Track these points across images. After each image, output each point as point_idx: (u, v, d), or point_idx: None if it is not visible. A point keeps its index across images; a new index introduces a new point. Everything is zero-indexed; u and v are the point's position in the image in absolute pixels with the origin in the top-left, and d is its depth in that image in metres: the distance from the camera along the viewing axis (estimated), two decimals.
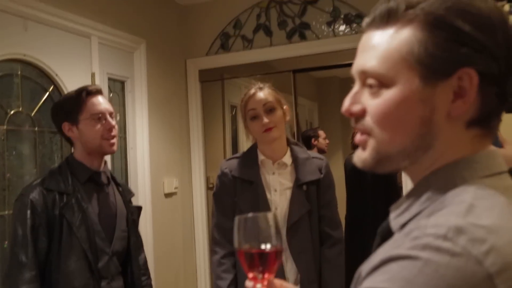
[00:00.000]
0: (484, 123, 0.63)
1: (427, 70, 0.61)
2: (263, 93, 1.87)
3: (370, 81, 0.65)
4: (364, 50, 0.67)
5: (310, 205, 1.87)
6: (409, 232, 0.56)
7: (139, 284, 1.86)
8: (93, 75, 2.52)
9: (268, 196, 1.87)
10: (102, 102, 1.77)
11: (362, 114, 0.66)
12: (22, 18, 2.14)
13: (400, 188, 3.23)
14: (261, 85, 1.90)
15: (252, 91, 1.88)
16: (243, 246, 0.84)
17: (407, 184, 2.87)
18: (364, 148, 0.67)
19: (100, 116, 1.74)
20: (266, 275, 0.84)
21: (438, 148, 0.63)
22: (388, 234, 0.70)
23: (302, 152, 1.96)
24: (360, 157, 0.68)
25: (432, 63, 0.61)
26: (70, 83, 2.30)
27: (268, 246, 0.83)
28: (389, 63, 0.63)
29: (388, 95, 0.63)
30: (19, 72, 2.15)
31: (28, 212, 1.61)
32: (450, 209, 0.57)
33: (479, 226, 0.53)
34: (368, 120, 0.65)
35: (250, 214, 0.85)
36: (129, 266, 1.84)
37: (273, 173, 1.91)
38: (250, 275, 0.85)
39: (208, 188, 3.39)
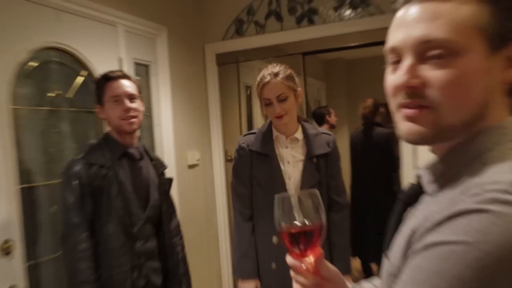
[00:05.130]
0: None
1: (493, 39, 0.59)
2: (277, 82, 1.81)
3: (435, 51, 0.59)
4: (422, 20, 0.60)
5: (319, 176, 1.89)
6: (465, 190, 0.54)
7: (170, 244, 1.92)
8: (120, 60, 2.53)
9: (282, 167, 1.89)
10: (121, 86, 1.77)
11: (421, 87, 0.60)
12: (55, 10, 2.13)
13: (397, 159, 3.23)
14: (276, 70, 1.83)
15: (267, 78, 1.82)
16: (283, 224, 0.77)
17: (404, 155, 2.85)
18: (418, 122, 0.61)
19: (117, 99, 1.75)
20: (308, 252, 0.77)
21: (491, 116, 0.61)
22: (413, 199, 0.69)
23: (312, 128, 1.97)
24: (415, 131, 0.62)
25: (497, 33, 0.59)
26: (100, 68, 2.31)
27: (309, 223, 0.77)
28: (461, 31, 0.58)
29: (460, 64, 0.58)
30: (55, 59, 2.15)
31: (76, 182, 1.66)
32: (497, 168, 0.55)
33: None
34: (433, 93, 0.59)
35: (287, 193, 0.79)
36: (161, 230, 1.89)
37: (286, 147, 1.92)
38: (294, 252, 0.79)
39: (226, 160, 3.43)
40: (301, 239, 0.76)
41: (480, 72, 0.59)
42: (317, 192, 0.79)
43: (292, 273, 0.81)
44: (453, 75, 0.58)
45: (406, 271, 0.55)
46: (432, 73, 0.59)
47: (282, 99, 1.81)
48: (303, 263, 0.78)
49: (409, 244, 0.59)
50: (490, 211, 0.49)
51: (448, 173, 0.62)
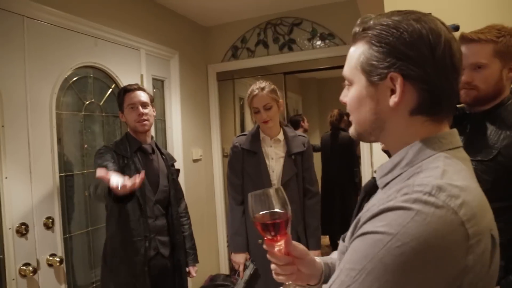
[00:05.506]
0: (426, 112, 0.58)
1: (369, 74, 0.60)
2: (264, 95, 1.81)
3: (346, 82, 0.65)
4: (346, 59, 0.66)
5: (296, 169, 1.89)
6: (400, 189, 0.52)
7: (178, 223, 1.89)
8: (141, 77, 2.54)
9: (267, 162, 1.88)
10: (136, 96, 1.78)
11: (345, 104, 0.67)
12: (94, 38, 2.17)
13: (358, 157, 3.28)
14: (263, 85, 1.84)
15: (256, 92, 1.83)
16: (257, 216, 0.74)
17: (363, 154, 2.91)
18: (351, 125, 0.68)
19: (133, 106, 1.77)
20: (278, 238, 0.74)
21: (390, 129, 0.61)
22: (372, 189, 0.70)
23: (290, 131, 1.97)
24: (351, 130, 0.67)
25: (372, 69, 0.59)
26: (126, 82, 2.31)
27: (278, 215, 0.73)
28: (350, 69, 0.63)
29: (351, 91, 0.63)
30: (91, 75, 2.18)
31: (107, 154, 1.69)
32: (429, 173, 0.53)
33: (454, 185, 0.50)
34: (347, 108, 0.66)
35: (260, 190, 0.74)
36: (170, 211, 1.87)
37: (271, 146, 1.91)
38: (266, 237, 0.75)
39: (223, 156, 3.42)
40: (271, 228, 0.74)
41: (364, 97, 0.61)
42: (281, 188, 0.76)
43: (268, 255, 0.77)
44: (349, 98, 0.64)
45: (348, 252, 0.54)
46: (347, 96, 0.66)
47: (267, 108, 1.82)
48: (275, 247, 0.75)
49: (355, 229, 0.57)
50: (412, 209, 0.48)
51: (393, 172, 0.60)
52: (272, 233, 0.73)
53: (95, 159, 1.72)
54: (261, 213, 0.73)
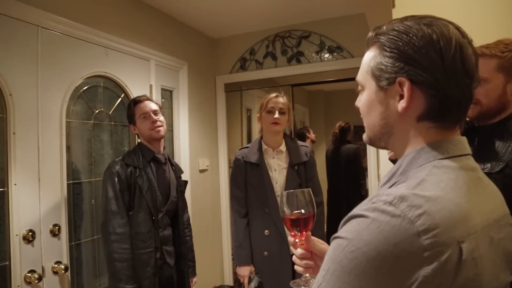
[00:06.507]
0: (434, 118, 0.57)
1: (378, 79, 0.60)
2: (282, 99, 1.90)
3: (359, 87, 0.66)
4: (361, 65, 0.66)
5: (300, 180, 1.89)
6: (371, 198, 0.53)
7: (183, 234, 1.90)
8: (150, 87, 2.58)
9: (270, 174, 1.89)
10: (147, 105, 1.81)
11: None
12: (105, 48, 2.20)
13: (365, 169, 3.25)
14: (282, 94, 1.93)
15: (275, 94, 1.92)
16: (287, 213, 0.85)
17: (370, 166, 2.90)
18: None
19: (145, 115, 1.79)
20: (304, 232, 0.84)
21: (398, 135, 0.60)
22: None
23: (292, 142, 1.98)
24: (363, 136, 0.68)
25: (381, 74, 0.59)
26: (135, 92, 2.37)
27: (304, 212, 0.84)
28: (362, 74, 0.64)
29: (363, 96, 0.64)
30: (101, 84, 2.20)
31: (116, 179, 1.67)
32: (407, 183, 0.54)
33: (420, 195, 0.50)
34: (360, 112, 0.67)
35: (291, 191, 0.86)
36: (177, 221, 1.88)
37: (273, 158, 1.92)
38: (292, 233, 0.85)
39: (230, 166, 3.40)
40: (298, 223, 0.84)
41: (374, 102, 0.61)
42: (310, 190, 0.86)
43: (291, 247, 0.89)
44: (361, 103, 0.65)
45: None
46: (360, 101, 0.66)
47: (281, 112, 1.87)
48: (297, 240, 0.86)
49: None
50: (368, 217, 0.49)
51: (391, 180, 0.60)
52: (298, 228, 0.84)
53: (105, 179, 1.70)
54: (290, 211, 0.85)
